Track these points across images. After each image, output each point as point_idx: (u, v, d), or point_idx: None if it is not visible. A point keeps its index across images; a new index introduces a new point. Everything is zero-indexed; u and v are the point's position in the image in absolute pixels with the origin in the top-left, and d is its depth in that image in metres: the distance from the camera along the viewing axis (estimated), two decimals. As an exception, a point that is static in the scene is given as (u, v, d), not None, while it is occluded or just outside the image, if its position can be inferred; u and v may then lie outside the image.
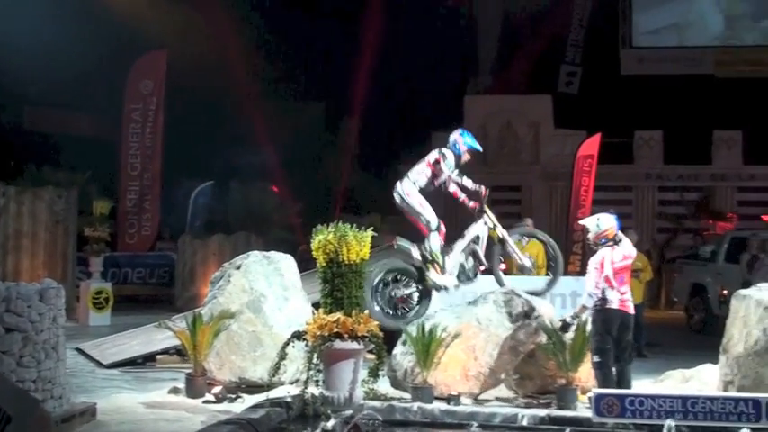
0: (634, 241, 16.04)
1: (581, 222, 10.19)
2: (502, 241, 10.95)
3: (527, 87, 31.95)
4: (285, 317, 11.04)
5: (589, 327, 9.98)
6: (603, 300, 9.51)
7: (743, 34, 33.57)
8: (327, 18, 30.24)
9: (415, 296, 10.94)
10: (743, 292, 10.28)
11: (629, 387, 9.34)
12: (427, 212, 10.78)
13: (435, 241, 10.77)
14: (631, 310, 9.59)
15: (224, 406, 9.82)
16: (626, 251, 9.74)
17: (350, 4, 30.38)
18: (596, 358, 9.55)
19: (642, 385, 11.08)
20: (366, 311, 9.20)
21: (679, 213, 29.98)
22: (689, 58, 33.03)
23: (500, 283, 10.97)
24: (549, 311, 10.58)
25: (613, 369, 9.57)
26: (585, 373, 10.15)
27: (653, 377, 11.54)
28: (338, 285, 9.05)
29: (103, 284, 18.25)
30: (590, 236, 9.81)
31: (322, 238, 9.10)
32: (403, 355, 10.39)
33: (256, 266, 11.29)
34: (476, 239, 10.93)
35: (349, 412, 8.57)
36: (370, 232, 9.29)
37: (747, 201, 30.02)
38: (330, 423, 8.40)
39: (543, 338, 10.19)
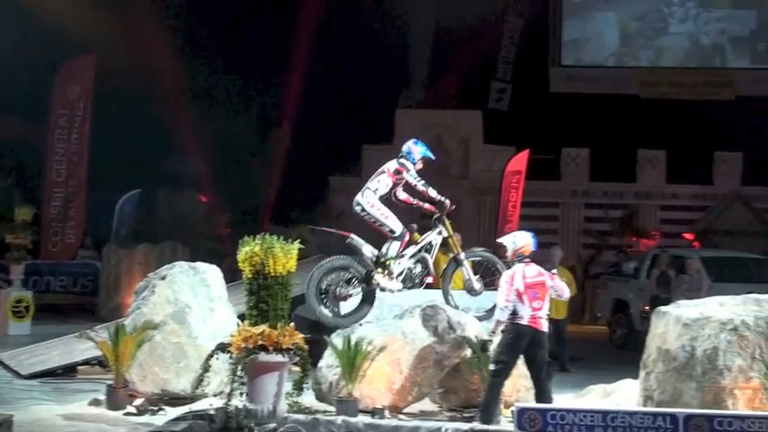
0: (559, 257, 16.43)
1: (499, 240, 10.29)
2: (457, 261, 10.96)
3: (458, 102, 32.23)
4: (210, 328, 10.94)
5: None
6: (514, 314, 9.57)
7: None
8: (259, 28, 30.13)
9: (359, 297, 10.90)
10: (662, 308, 10.47)
11: (550, 403, 9.39)
12: (391, 221, 10.81)
13: (394, 248, 10.78)
14: (543, 328, 9.60)
15: (145, 418, 9.69)
16: (541, 269, 9.82)
17: (282, 15, 30.33)
18: (492, 367, 9.65)
19: (564, 399, 11.21)
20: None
21: (604, 230, 30.48)
22: (615, 78, 33.70)
23: (445, 299, 10.96)
24: (475, 326, 10.64)
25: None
26: (509, 388, 10.23)
27: (575, 391, 11.68)
28: (264, 297, 9.01)
29: (24, 293, 17.87)
30: (508, 253, 9.94)
31: (248, 249, 9.05)
32: (328, 368, 10.37)
33: (182, 277, 11.17)
34: (428, 247, 10.95)
35: (273, 425, 8.54)
36: (297, 245, 9.26)
37: (670, 219, 30.65)
38: (253, 436, 8.35)
39: (468, 353, 10.25)
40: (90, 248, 23.56)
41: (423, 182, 10.79)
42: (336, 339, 10.21)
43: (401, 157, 10.98)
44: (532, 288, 9.63)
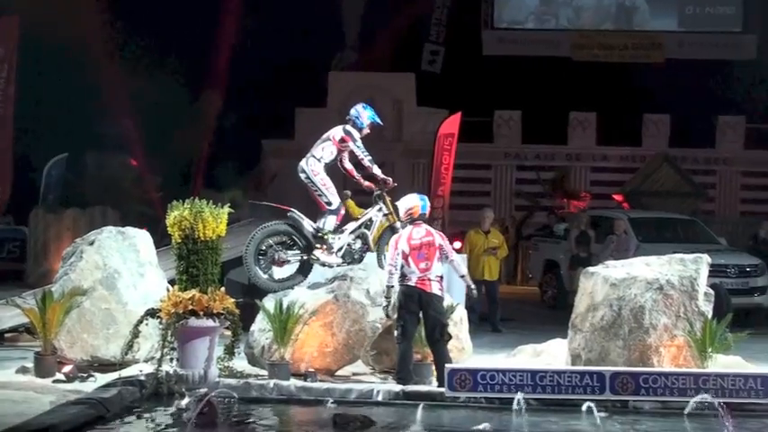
0: (490, 219, 16.57)
1: (396, 204, 10.36)
2: (393, 228, 10.95)
3: (391, 65, 32.15)
4: (140, 294, 10.81)
5: (445, 302, 10.20)
6: (403, 276, 9.61)
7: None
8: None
9: (296, 265, 10.86)
10: (591, 269, 10.66)
11: (443, 364, 9.38)
12: (330, 193, 10.74)
13: (330, 221, 10.73)
14: (431, 288, 9.53)
15: (75, 385, 9.56)
16: (430, 229, 9.86)
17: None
18: (395, 332, 9.72)
19: (495, 360, 11.37)
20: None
21: (536, 192, 30.78)
22: (547, 40, 33.89)
23: (378, 263, 10.97)
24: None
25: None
26: (440, 349, 10.32)
27: (506, 351, 11.84)
28: (194, 262, 8.95)
29: (-52, 260, 17.49)
30: (401, 215, 10.01)
31: (177, 214, 8.96)
32: (260, 332, 10.34)
33: (110, 242, 11.00)
34: (368, 223, 10.92)
35: (204, 390, 8.49)
36: (227, 209, 9.19)
37: (600, 180, 31.08)
38: (184, 401, 8.32)
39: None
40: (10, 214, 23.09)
41: (369, 157, 10.71)
42: (268, 303, 10.18)
43: (348, 121, 10.88)
44: (419, 249, 9.63)
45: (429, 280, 9.57)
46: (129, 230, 11.34)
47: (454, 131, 22.79)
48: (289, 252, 10.76)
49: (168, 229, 9.08)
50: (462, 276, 9.86)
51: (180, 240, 8.97)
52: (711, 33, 33.68)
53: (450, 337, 9.77)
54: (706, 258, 10.20)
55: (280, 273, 10.90)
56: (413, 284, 9.55)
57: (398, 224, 10.72)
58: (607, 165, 31.49)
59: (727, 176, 31.73)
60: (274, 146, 31.59)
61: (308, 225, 10.73)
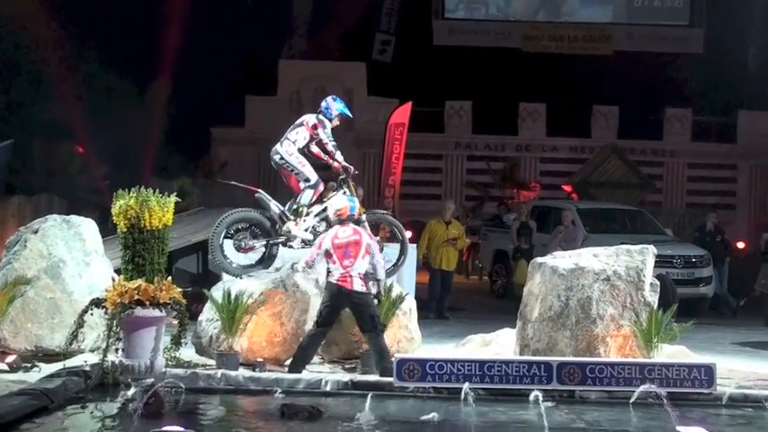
0: (451, 210, 16.66)
1: (328, 204, 10.49)
2: (357, 221, 11.00)
3: (341, 54, 32.10)
4: (86, 283, 10.66)
5: (394, 292, 10.23)
6: (328, 272, 9.84)
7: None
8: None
9: (260, 252, 10.89)
10: (539, 259, 10.71)
11: (381, 355, 9.50)
12: (307, 170, 10.91)
13: (308, 195, 10.90)
14: (352, 285, 9.68)
15: (18, 376, 9.41)
16: (357, 228, 10.02)
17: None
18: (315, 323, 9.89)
19: (444, 349, 11.41)
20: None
21: (486, 182, 30.95)
22: (498, 31, 34.04)
23: None
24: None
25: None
26: (390, 339, 10.32)
27: (455, 341, 11.87)
28: (140, 251, 8.84)
29: None
30: (331, 215, 10.25)
31: (123, 203, 8.84)
32: (208, 322, 10.25)
33: (55, 230, 10.81)
34: None
35: (150, 380, 8.38)
36: (173, 198, 9.09)
37: (550, 171, 31.35)
38: (130, 392, 8.20)
39: (349, 304, 10.27)
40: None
41: (334, 143, 10.93)
42: (216, 293, 10.10)
43: (319, 112, 11.02)
44: (345, 248, 9.79)
45: (351, 276, 9.71)
46: (75, 219, 11.16)
47: (405, 121, 22.82)
48: (255, 240, 10.79)
49: (114, 218, 8.95)
50: (377, 281, 9.92)
51: (126, 229, 8.86)
52: (659, 26, 34.05)
53: (384, 327, 9.85)
54: (652, 249, 10.30)
55: (244, 259, 10.93)
56: (334, 281, 9.74)
57: (363, 216, 10.85)
58: (556, 155, 31.77)
59: (674, 168, 32.20)
60: (224, 133, 31.40)
61: (274, 207, 10.81)
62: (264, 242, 10.85)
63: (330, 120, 11.04)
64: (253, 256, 10.93)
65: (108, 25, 28.24)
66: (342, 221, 10.02)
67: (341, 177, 11.07)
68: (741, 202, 31.79)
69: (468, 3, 34.64)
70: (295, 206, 10.86)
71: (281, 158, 10.92)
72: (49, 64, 25.54)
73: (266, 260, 10.92)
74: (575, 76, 32.36)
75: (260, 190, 11.02)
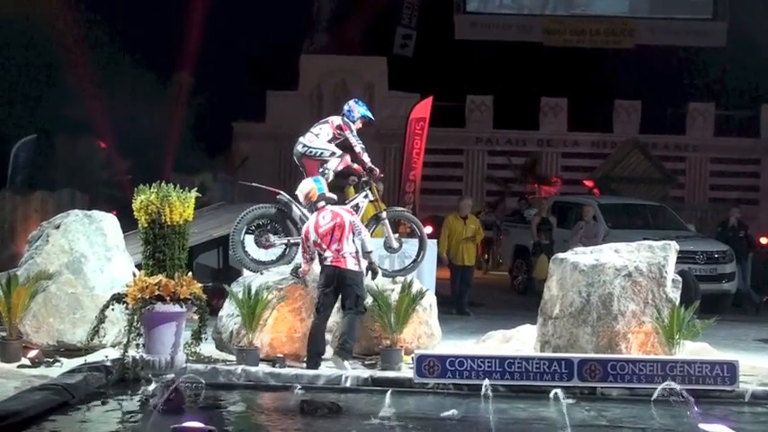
0: (469, 207, 16.64)
1: (297, 193, 10.50)
2: (378, 218, 11.03)
3: (362, 48, 32.08)
4: (107, 278, 10.70)
5: (415, 288, 10.20)
6: (321, 258, 9.89)
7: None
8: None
9: (281, 249, 10.91)
10: (560, 255, 10.66)
11: (349, 334, 9.63)
12: (332, 147, 10.88)
13: (334, 162, 10.83)
14: (347, 265, 9.79)
15: (40, 371, 9.46)
16: (336, 210, 10.05)
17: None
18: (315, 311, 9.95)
19: (465, 346, 11.37)
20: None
21: (507, 177, 30.85)
22: (519, 25, 33.88)
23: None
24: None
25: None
26: (410, 335, 10.32)
27: (476, 337, 11.84)
28: (160, 247, 8.86)
29: None
30: (302, 201, 10.29)
31: (144, 198, 8.86)
32: (229, 317, 10.27)
33: (77, 226, 10.86)
34: (355, 208, 10.97)
35: (170, 376, 8.42)
36: (194, 193, 9.10)
37: (571, 166, 31.21)
38: (151, 387, 8.24)
39: (369, 300, 10.27)
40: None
41: (362, 146, 10.88)
42: (237, 288, 10.12)
43: (343, 115, 11.01)
44: (330, 234, 9.83)
45: (344, 257, 9.78)
46: (96, 214, 11.20)
47: (426, 116, 22.74)
48: (275, 237, 10.82)
49: (135, 213, 8.98)
50: (368, 252, 9.99)
51: (146, 225, 8.88)
52: (682, 20, 33.80)
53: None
54: (674, 245, 10.23)
55: (264, 255, 10.96)
56: (329, 264, 9.79)
57: (384, 213, 10.84)
58: (578, 150, 31.62)
59: (697, 163, 31.98)
60: (245, 128, 31.45)
61: (296, 208, 10.78)
62: (285, 240, 10.86)
63: (353, 122, 11.03)
64: (273, 253, 10.95)
65: (131, 21, 28.33)
66: (315, 205, 10.04)
67: (363, 179, 11.06)
68: (764, 197, 31.54)
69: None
70: (321, 169, 10.78)
71: (304, 146, 10.87)
72: (71, 60, 25.67)
73: (286, 257, 10.94)
74: (596, 70, 32.21)
75: (282, 191, 11.00)
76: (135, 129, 26.77)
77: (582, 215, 17.69)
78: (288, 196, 10.93)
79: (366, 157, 10.93)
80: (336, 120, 11.04)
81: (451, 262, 16.01)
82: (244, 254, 10.75)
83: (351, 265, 9.78)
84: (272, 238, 10.84)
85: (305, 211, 10.64)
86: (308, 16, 33.27)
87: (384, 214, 10.93)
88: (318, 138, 10.93)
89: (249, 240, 10.87)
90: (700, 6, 33.94)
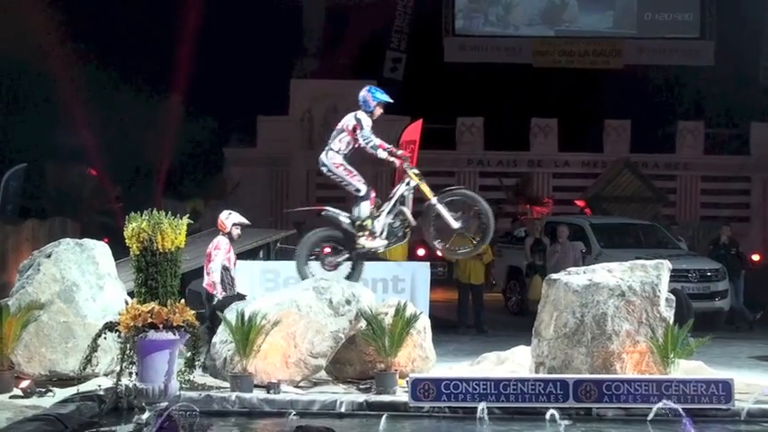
0: (475, 225, 16.59)
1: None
2: (431, 207, 10.84)
3: (352, 72, 32.11)
4: (99, 306, 10.66)
5: (408, 311, 10.17)
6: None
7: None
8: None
9: (348, 264, 10.94)
10: (553, 276, 10.65)
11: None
12: (356, 180, 10.83)
13: (365, 208, 10.84)
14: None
15: (33, 401, 9.40)
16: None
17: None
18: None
19: (460, 368, 11.33)
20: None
21: (498, 198, 30.85)
22: (508, 47, 34.03)
23: (429, 243, 11.12)
24: (369, 298, 10.63)
25: None
26: (404, 358, 10.28)
27: (470, 359, 11.79)
28: (152, 274, 8.83)
29: None
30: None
31: (135, 225, 8.83)
32: (222, 344, 10.23)
33: (68, 254, 10.82)
34: (401, 200, 10.92)
35: (164, 404, 8.37)
36: (186, 220, 9.09)
37: (562, 186, 31.25)
38: (144, 416, 8.19)
39: (363, 324, 10.25)
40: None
41: (372, 144, 10.73)
42: (230, 314, 10.08)
43: (359, 108, 10.84)
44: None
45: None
46: (88, 242, 11.17)
47: (416, 138, 22.66)
48: (337, 255, 10.90)
49: (126, 241, 8.96)
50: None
51: (138, 252, 8.86)
52: (670, 39, 33.99)
53: (399, 348, 9.93)
54: (667, 264, 10.24)
55: (335, 277, 10.94)
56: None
57: (434, 200, 10.66)
58: (569, 170, 31.67)
59: (688, 181, 32.05)
60: (236, 154, 31.44)
61: (344, 218, 10.79)
62: (347, 256, 10.81)
63: (371, 113, 10.83)
64: (342, 271, 10.92)
65: (121, 48, 28.35)
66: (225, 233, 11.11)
67: (396, 168, 10.99)
68: (755, 214, 31.61)
69: (467, 12, 34.69)
70: (358, 222, 10.80)
71: (329, 170, 10.86)
72: (61, 88, 25.65)
73: (356, 271, 10.96)
74: (586, 90, 32.31)
75: (327, 207, 10.97)
76: (125, 156, 26.77)
77: (557, 236, 17.60)
78: (333, 210, 10.88)
79: (382, 153, 10.76)
80: (350, 122, 10.84)
81: (459, 280, 16.01)
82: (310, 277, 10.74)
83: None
84: (335, 257, 10.94)
85: (354, 216, 10.77)
86: (298, 41, 33.36)
87: (435, 200, 10.71)
88: (340, 153, 10.77)
89: (315, 266, 10.90)
90: (687, 26, 34.14)
